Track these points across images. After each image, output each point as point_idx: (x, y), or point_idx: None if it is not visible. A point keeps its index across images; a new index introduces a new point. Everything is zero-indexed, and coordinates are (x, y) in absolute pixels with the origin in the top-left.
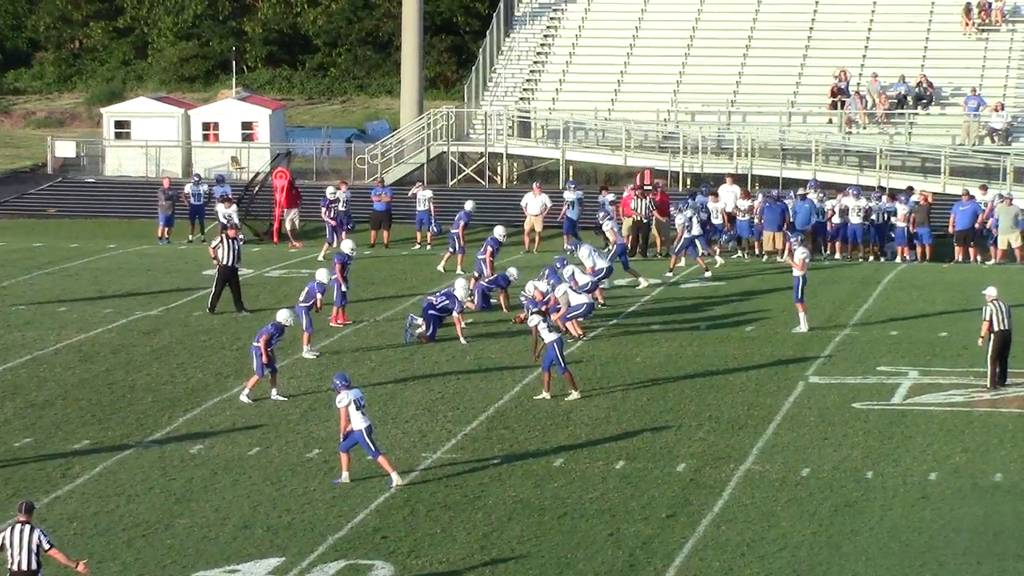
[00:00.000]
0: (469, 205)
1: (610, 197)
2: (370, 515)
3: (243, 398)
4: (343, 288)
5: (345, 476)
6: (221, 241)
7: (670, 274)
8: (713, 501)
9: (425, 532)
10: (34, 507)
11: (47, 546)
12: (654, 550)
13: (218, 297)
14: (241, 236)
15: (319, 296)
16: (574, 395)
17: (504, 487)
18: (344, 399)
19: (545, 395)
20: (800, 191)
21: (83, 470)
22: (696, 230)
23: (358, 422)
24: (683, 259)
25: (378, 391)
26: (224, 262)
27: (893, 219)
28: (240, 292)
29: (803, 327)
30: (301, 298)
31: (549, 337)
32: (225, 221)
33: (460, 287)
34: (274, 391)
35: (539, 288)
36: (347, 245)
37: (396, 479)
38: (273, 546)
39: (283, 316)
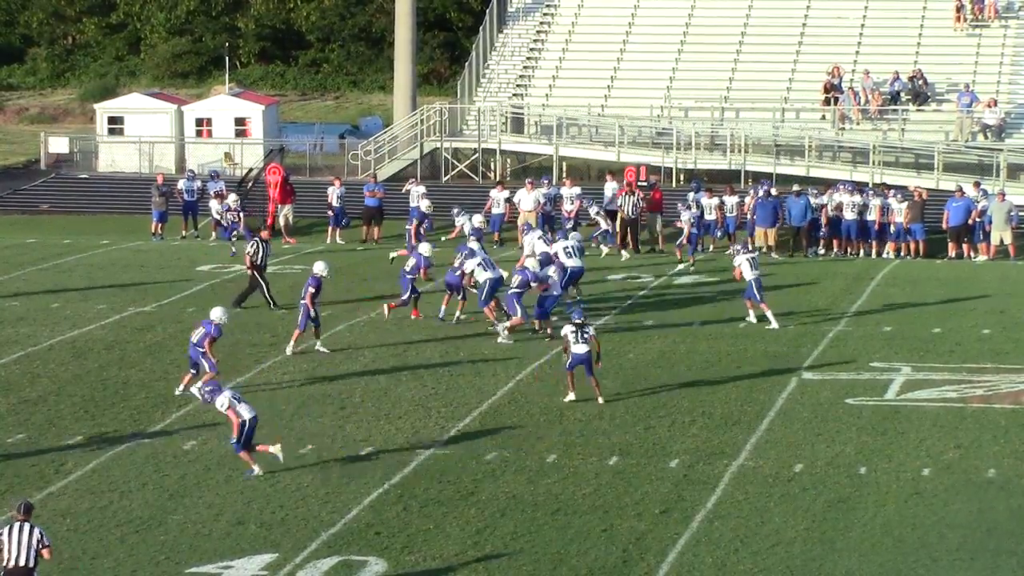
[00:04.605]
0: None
1: (576, 190)
2: (363, 511)
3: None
4: (311, 313)
5: (258, 467)
6: (255, 244)
7: (682, 266)
8: (706, 497)
9: (418, 528)
10: (32, 508)
11: (45, 543)
12: (647, 546)
13: (254, 293)
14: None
15: (311, 290)
16: (570, 397)
17: (497, 483)
18: (223, 401)
19: (571, 396)
20: (795, 188)
21: (76, 466)
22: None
23: (246, 412)
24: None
25: (371, 387)
26: (257, 262)
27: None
28: (269, 287)
29: (752, 318)
30: (303, 294)
31: (578, 349)
32: (218, 216)
33: (425, 248)
34: (195, 387)
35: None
36: (320, 267)
37: (257, 470)
38: (267, 542)
39: (216, 315)
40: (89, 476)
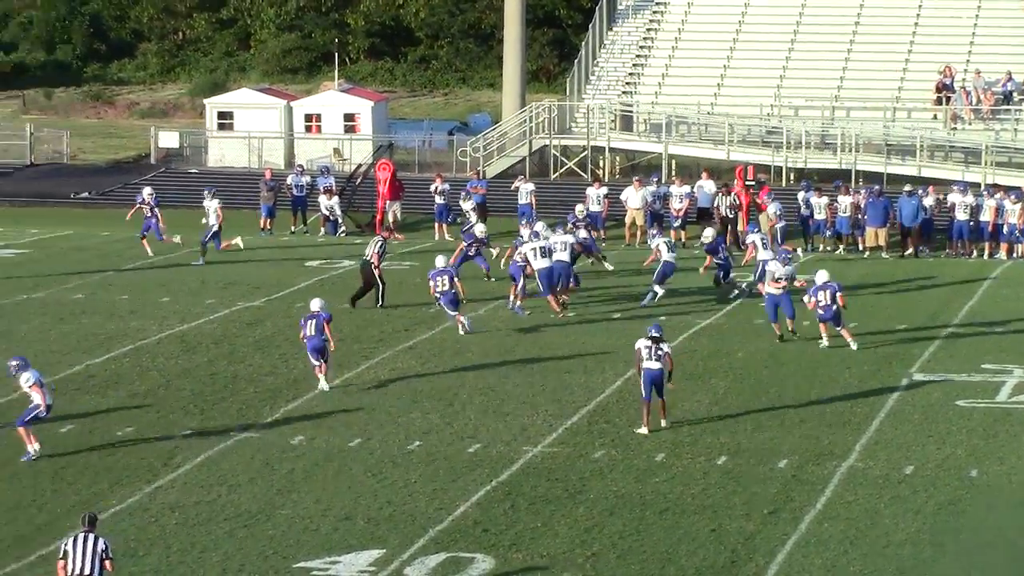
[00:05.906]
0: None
1: (685, 189)
2: (471, 508)
3: (323, 386)
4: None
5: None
6: (380, 242)
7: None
8: (815, 498)
9: (526, 526)
10: (97, 519)
11: (108, 555)
12: (756, 546)
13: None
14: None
15: (458, 282)
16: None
17: (605, 481)
18: (29, 378)
19: (643, 430)
20: (907, 187)
21: (185, 460)
22: (781, 222)
23: (49, 398)
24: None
25: (478, 383)
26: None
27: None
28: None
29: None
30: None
31: (650, 365)
32: (327, 212)
33: (478, 229)
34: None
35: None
36: (480, 228)
37: (33, 453)
38: (374, 538)
39: (318, 304)
40: (198, 470)
